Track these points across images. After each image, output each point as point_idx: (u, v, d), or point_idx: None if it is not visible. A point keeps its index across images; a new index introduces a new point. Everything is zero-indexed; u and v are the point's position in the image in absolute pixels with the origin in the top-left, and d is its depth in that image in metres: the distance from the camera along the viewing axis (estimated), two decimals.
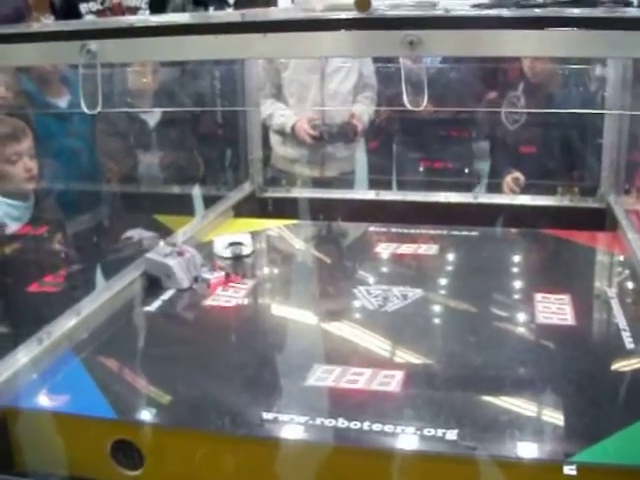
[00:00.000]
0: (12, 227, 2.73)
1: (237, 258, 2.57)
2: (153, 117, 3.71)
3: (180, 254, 2.40)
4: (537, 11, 1.29)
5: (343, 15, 1.25)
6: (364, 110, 3.79)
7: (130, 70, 3.68)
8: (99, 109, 1.39)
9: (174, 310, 2.24)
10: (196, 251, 2.46)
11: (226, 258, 2.59)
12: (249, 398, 1.73)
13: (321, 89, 3.71)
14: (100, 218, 3.28)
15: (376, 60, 3.74)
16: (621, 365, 1.84)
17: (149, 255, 2.41)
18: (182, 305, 2.29)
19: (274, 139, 3.87)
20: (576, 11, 1.26)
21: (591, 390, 1.72)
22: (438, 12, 1.30)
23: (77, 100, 1.54)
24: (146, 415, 1.69)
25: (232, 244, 2.63)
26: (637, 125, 2.96)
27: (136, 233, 2.93)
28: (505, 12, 1.29)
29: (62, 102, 3.62)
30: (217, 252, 2.63)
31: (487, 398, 1.70)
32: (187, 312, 2.27)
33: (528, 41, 1.16)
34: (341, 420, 1.60)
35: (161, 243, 2.52)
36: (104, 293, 2.23)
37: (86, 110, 1.37)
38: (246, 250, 2.62)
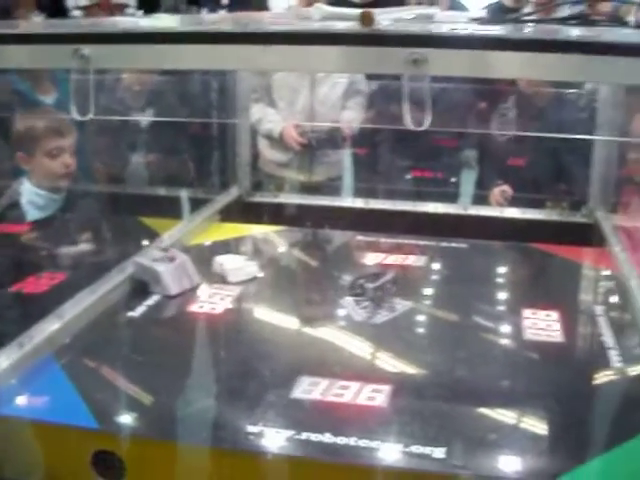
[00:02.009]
0: (33, 215, 2.72)
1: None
2: (145, 116, 3.69)
3: (171, 260, 2.37)
4: (547, 33, 1.26)
5: (347, 29, 1.23)
6: (353, 117, 3.77)
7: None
8: (90, 115, 1.35)
9: (158, 316, 2.21)
10: (187, 257, 2.42)
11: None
12: (234, 410, 1.70)
13: (311, 94, 3.70)
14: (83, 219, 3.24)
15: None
16: (608, 384, 1.83)
17: (138, 259, 2.38)
18: (167, 311, 2.25)
19: (262, 143, 3.85)
20: (584, 34, 1.24)
21: (579, 409, 1.71)
22: (444, 30, 1.27)
23: (65, 98, 1.51)
24: (128, 426, 1.66)
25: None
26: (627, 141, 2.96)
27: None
28: (514, 33, 1.26)
29: (49, 99, 3.60)
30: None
31: (475, 415, 1.68)
32: (172, 319, 2.23)
33: (536, 64, 1.14)
34: (327, 435, 1.57)
35: (152, 247, 2.50)
36: (87, 297, 2.19)
37: (77, 117, 1.34)
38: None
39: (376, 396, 1.73)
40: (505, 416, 1.67)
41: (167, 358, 1.96)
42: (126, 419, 1.68)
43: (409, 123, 1.18)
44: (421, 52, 1.16)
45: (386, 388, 1.75)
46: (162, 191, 3.57)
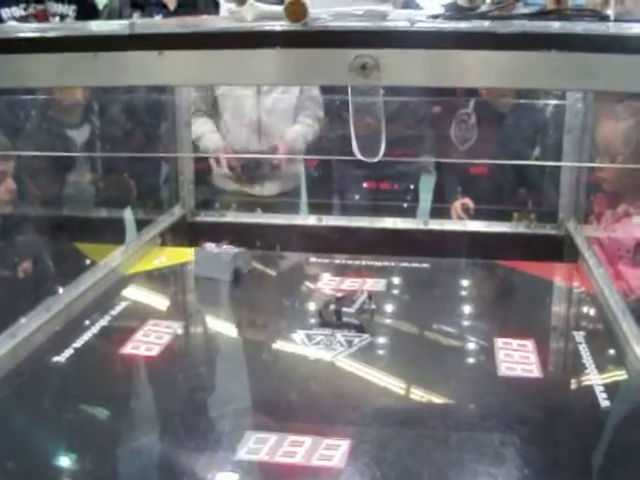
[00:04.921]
0: None
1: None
2: (81, 134, 3.44)
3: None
4: (538, 27, 1.00)
5: (269, 27, 0.96)
6: (298, 132, 3.54)
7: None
8: None
9: (86, 361, 1.95)
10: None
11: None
12: (166, 478, 1.46)
13: (257, 105, 3.46)
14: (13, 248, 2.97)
15: None
16: (598, 430, 1.62)
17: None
18: (97, 354, 2.00)
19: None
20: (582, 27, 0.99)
21: (567, 461, 1.49)
22: (399, 25, 1.01)
23: None
24: None
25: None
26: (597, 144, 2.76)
27: None
28: (496, 27, 0.99)
29: None
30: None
31: (449, 477, 1.44)
32: (101, 363, 1.97)
33: (532, 67, 0.88)
34: None
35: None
36: (6, 341, 1.92)
37: None
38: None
39: (332, 454, 1.49)
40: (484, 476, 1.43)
41: (90, 416, 1.70)
42: None
43: (358, 153, 0.92)
44: (371, 54, 0.89)
45: (344, 444, 1.52)
46: (99, 213, 3.31)
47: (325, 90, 3.59)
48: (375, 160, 0.93)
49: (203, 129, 3.48)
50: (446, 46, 0.89)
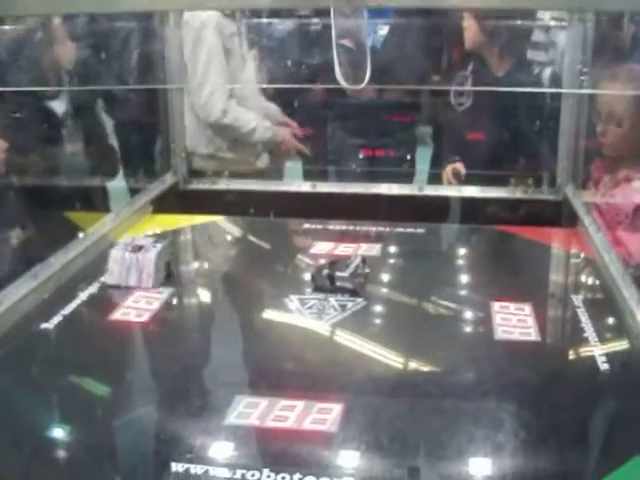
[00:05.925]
0: None
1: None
2: (61, 104, 3.36)
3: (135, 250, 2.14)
4: None
5: None
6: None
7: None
8: None
9: (75, 327, 1.91)
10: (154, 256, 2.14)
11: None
12: (155, 443, 1.42)
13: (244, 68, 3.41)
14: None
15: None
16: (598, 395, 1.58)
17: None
18: (85, 320, 1.96)
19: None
20: None
21: (564, 427, 1.45)
22: None
23: None
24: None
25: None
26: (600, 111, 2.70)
27: None
28: None
29: None
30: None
31: (443, 441, 1.40)
32: (90, 330, 1.93)
33: None
34: (266, 472, 1.30)
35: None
36: None
37: None
38: None
39: (325, 418, 1.45)
40: (478, 442, 1.39)
41: (79, 382, 1.66)
42: (27, 464, 1.38)
43: (341, 79, 0.87)
44: None
45: (337, 407, 1.48)
46: (89, 182, 3.27)
47: None
48: (359, 87, 0.88)
49: (248, 117, 3.38)
50: None
